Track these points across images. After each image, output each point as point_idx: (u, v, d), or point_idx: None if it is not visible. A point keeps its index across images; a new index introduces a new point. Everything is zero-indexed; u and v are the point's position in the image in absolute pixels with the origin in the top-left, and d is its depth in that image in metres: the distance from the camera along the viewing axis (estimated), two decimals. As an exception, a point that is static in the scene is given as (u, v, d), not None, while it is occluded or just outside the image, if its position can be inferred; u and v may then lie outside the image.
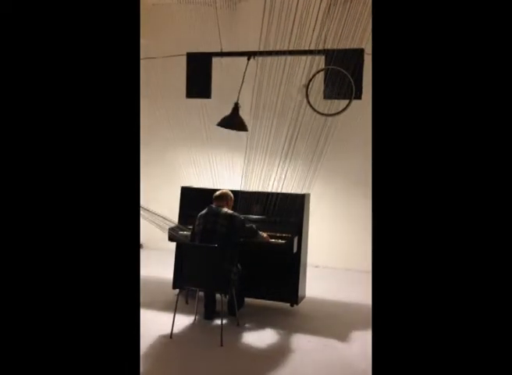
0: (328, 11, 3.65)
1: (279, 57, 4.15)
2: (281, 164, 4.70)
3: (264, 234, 4.28)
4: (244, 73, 4.35)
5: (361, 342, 3.87)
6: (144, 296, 4.71)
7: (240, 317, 4.24)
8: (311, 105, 4.13)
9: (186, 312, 4.40)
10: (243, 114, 4.56)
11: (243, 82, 4.38)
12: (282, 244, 4.35)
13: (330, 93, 4.08)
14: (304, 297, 4.79)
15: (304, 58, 4.18)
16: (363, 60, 3.98)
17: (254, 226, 4.15)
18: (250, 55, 4.37)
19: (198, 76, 4.57)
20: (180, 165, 6.15)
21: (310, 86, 4.12)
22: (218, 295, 4.33)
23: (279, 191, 4.67)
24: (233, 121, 4.42)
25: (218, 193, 4.26)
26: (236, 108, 4.42)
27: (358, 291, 5.30)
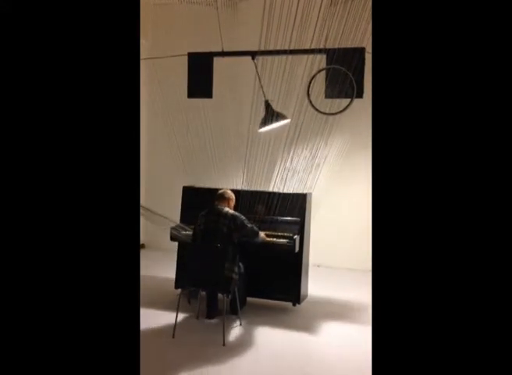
0: (329, 10, 3.64)
1: (280, 56, 4.15)
2: (283, 163, 4.70)
3: (262, 234, 4.29)
4: (257, 73, 4.32)
5: (363, 341, 3.87)
6: (146, 296, 4.74)
7: (242, 316, 4.25)
8: (312, 105, 4.13)
9: (188, 311, 4.41)
10: (245, 114, 4.57)
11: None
12: (284, 243, 4.35)
13: (331, 92, 4.07)
14: (306, 296, 4.80)
15: (305, 57, 4.18)
16: (364, 59, 3.97)
17: (255, 226, 4.15)
18: (251, 54, 4.37)
19: (199, 76, 4.57)
20: (182, 164, 6.15)
21: (311, 85, 4.11)
22: (220, 295, 4.34)
23: (280, 190, 4.67)
24: (272, 117, 4.41)
25: (219, 192, 4.26)
26: (268, 104, 4.41)
27: (360, 290, 5.30)
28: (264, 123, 4.41)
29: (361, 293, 5.17)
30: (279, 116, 4.38)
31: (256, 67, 4.33)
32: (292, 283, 4.56)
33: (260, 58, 4.29)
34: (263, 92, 4.34)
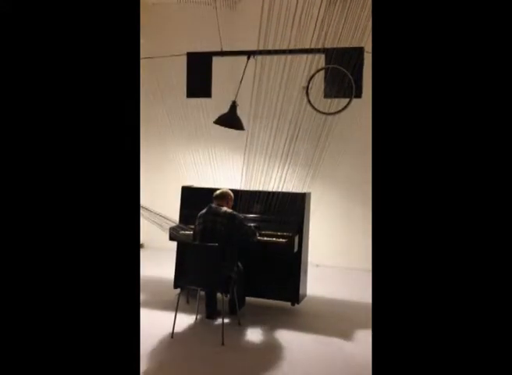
0: (328, 9, 3.64)
1: (279, 56, 4.15)
2: (281, 163, 4.70)
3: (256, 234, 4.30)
4: (244, 71, 4.36)
5: (362, 341, 3.87)
6: (145, 296, 4.74)
7: (241, 316, 4.25)
8: (311, 104, 4.13)
9: (187, 311, 4.41)
10: (244, 113, 4.57)
11: (242, 81, 4.38)
12: (282, 243, 4.35)
13: (330, 92, 4.08)
14: (304, 296, 4.80)
15: (303, 57, 4.18)
16: (363, 58, 3.97)
17: (252, 226, 4.15)
18: (249, 54, 4.37)
19: (198, 76, 4.58)
20: (181, 164, 6.15)
21: (310, 85, 4.12)
22: (219, 294, 4.34)
23: (279, 189, 4.67)
24: (230, 119, 4.42)
25: (217, 192, 4.26)
26: (233, 106, 4.42)
27: (359, 289, 5.30)
28: (222, 121, 4.42)
29: (360, 292, 5.17)
30: (237, 123, 4.40)
31: (245, 67, 4.33)
32: (291, 283, 4.56)
33: (259, 58, 4.29)
34: (237, 94, 4.35)
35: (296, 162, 4.89)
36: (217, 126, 4.56)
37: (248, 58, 4.36)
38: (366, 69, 3.96)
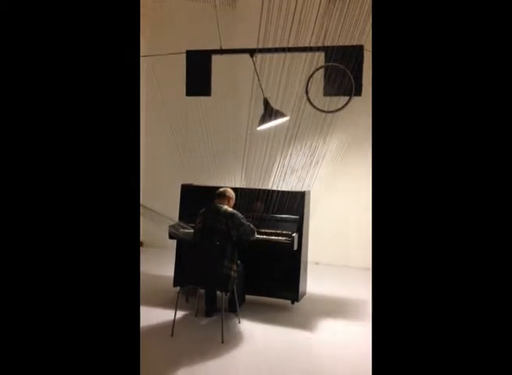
0: (328, 7, 3.64)
1: (279, 54, 4.15)
2: (281, 161, 4.70)
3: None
4: (255, 70, 4.33)
5: (362, 339, 3.88)
6: (144, 294, 4.74)
7: (241, 314, 4.25)
8: (310, 102, 4.13)
9: (186, 309, 4.42)
10: (244, 111, 4.56)
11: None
12: (282, 241, 4.36)
13: (330, 90, 4.08)
14: (304, 294, 4.80)
15: (303, 55, 4.18)
16: (363, 57, 3.97)
17: (251, 225, 4.15)
18: (249, 52, 4.36)
19: (198, 74, 4.57)
20: (180, 162, 6.14)
21: (310, 83, 4.11)
22: (218, 292, 4.34)
23: (279, 188, 4.67)
24: (271, 114, 4.42)
25: (220, 191, 4.27)
26: (267, 102, 4.41)
27: (358, 288, 5.31)
28: (263, 120, 4.42)
29: (360, 290, 5.18)
30: (277, 114, 4.38)
31: (254, 65, 4.32)
32: (291, 281, 4.56)
33: (258, 56, 4.29)
34: (262, 90, 4.34)
35: (296, 161, 4.89)
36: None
37: (251, 56, 4.35)
38: (366, 67, 3.96)
